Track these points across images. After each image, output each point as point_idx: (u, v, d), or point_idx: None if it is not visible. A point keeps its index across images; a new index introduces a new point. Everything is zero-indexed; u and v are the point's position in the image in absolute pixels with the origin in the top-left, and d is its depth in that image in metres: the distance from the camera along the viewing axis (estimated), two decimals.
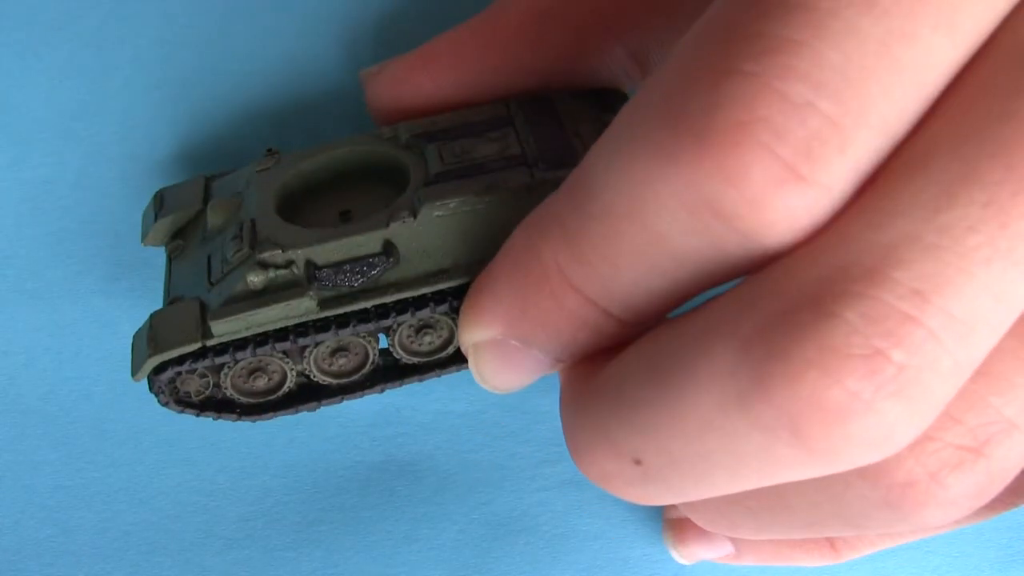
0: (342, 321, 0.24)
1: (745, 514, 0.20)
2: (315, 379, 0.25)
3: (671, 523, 0.29)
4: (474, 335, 0.21)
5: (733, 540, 0.29)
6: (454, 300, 0.23)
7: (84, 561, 0.29)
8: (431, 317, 0.24)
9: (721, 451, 0.17)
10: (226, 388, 0.25)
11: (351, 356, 0.25)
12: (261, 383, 0.25)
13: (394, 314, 0.24)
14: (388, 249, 0.23)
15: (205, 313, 0.23)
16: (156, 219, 0.26)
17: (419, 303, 0.24)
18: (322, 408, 0.26)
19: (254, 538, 0.29)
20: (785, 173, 0.15)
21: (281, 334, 0.24)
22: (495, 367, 0.21)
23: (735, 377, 0.16)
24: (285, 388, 0.25)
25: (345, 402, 0.26)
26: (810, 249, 0.16)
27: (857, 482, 0.17)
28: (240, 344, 0.23)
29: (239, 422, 0.26)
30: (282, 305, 0.23)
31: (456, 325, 0.23)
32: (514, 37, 0.26)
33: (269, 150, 0.26)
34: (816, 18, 0.15)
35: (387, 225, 0.23)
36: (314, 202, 0.25)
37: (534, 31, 0.26)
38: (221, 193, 0.26)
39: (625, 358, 0.19)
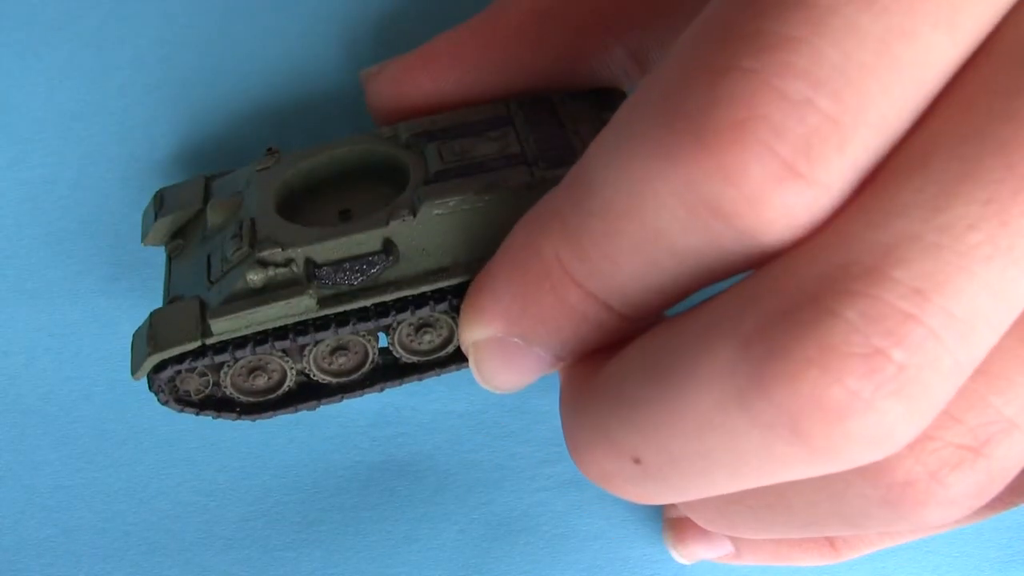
0: (342, 319, 0.24)
1: (745, 513, 0.20)
2: (315, 378, 0.25)
3: (671, 523, 0.29)
4: (474, 333, 0.21)
5: (733, 540, 0.29)
6: (454, 299, 0.23)
7: (84, 561, 0.29)
8: (431, 316, 0.24)
9: (721, 450, 0.17)
10: (226, 387, 0.25)
11: (351, 355, 0.25)
12: (261, 382, 0.25)
13: (394, 312, 0.24)
14: (388, 247, 0.23)
15: (205, 311, 0.23)
16: (156, 219, 0.26)
17: (419, 301, 0.24)
18: (322, 407, 0.26)
19: (254, 538, 0.29)
20: (784, 171, 0.15)
21: (281, 332, 0.24)
22: (495, 366, 0.21)
23: (735, 375, 0.16)
24: (285, 387, 0.25)
25: (345, 401, 0.26)
26: (810, 247, 0.16)
27: (857, 481, 0.17)
28: (240, 342, 0.23)
29: (239, 421, 0.26)
30: (282, 303, 0.23)
31: (456, 324, 0.23)
32: (514, 37, 0.26)
33: (269, 149, 0.26)
34: (815, 15, 0.15)
35: (387, 223, 0.23)
36: (314, 201, 0.25)
37: (534, 31, 0.26)
38: (221, 193, 0.26)
39: (624, 357, 0.19)
